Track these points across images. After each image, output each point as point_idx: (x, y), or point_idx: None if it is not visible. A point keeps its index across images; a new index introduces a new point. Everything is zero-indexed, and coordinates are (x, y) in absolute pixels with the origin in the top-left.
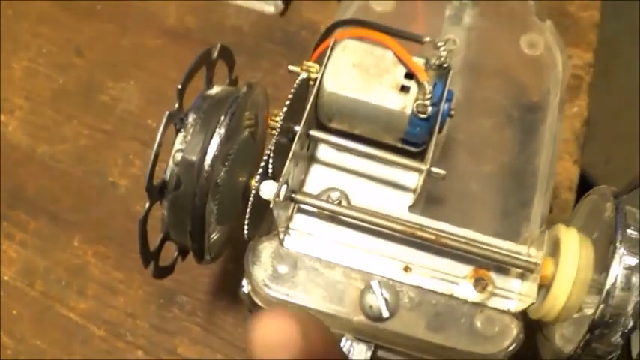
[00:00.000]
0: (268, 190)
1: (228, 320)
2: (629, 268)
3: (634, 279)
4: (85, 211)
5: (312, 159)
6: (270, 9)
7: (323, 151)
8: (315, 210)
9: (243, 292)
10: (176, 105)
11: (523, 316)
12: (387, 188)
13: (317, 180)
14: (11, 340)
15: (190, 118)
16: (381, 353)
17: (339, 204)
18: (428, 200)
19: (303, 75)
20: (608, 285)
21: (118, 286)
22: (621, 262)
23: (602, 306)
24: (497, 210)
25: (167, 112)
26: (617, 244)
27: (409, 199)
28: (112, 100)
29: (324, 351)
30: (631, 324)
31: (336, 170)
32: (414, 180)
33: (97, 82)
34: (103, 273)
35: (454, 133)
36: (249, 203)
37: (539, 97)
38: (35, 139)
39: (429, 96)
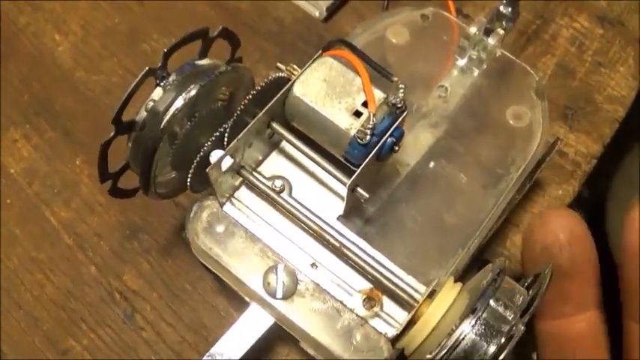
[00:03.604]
0: (216, 157)
1: (173, 267)
2: (479, 335)
3: (479, 346)
4: (95, 137)
5: (276, 146)
6: (314, 12)
7: (287, 145)
8: (257, 189)
9: (185, 235)
10: (159, 64)
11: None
12: (328, 193)
13: (274, 165)
14: None
15: (171, 78)
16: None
17: (279, 191)
18: (365, 221)
19: (281, 74)
20: (450, 341)
21: (97, 208)
22: (474, 327)
23: (439, 356)
24: (419, 248)
25: (147, 67)
26: (475, 310)
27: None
28: (152, 51)
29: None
30: None
31: (292, 163)
32: None
33: (145, 31)
34: (89, 193)
35: (414, 169)
36: (196, 160)
37: (501, 165)
38: (77, 63)
39: (370, 126)
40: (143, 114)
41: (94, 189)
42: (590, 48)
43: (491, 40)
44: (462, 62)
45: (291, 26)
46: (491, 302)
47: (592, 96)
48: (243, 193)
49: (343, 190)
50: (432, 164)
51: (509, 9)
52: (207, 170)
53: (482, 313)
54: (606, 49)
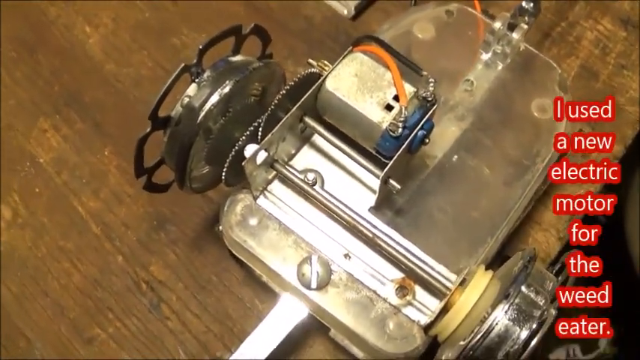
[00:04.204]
0: (251, 151)
1: (200, 259)
2: (512, 320)
3: (512, 331)
4: (124, 129)
5: (307, 140)
6: (343, 11)
7: (319, 139)
8: (290, 182)
9: (218, 230)
10: (194, 60)
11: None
12: (360, 185)
13: (306, 159)
14: (25, 211)
15: (206, 74)
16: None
17: (312, 185)
18: (396, 212)
19: (313, 70)
20: (484, 327)
21: (125, 199)
22: (507, 313)
23: (473, 341)
24: (449, 238)
25: (183, 64)
26: (508, 296)
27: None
28: (181, 45)
29: None
30: None
31: (323, 157)
32: None
33: (175, 26)
34: (117, 184)
35: (441, 161)
36: (231, 154)
37: (527, 157)
38: (107, 56)
39: (402, 119)
40: (179, 110)
41: (122, 180)
42: (614, 50)
43: (515, 35)
44: (486, 57)
45: (320, 25)
46: (523, 288)
47: (615, 98)
48: (276, 186)
49: (374, 183)
50: (458, 156)
51: (531, 4)
52: (242, 164)
53: (515, 298)
54: (629, 51)
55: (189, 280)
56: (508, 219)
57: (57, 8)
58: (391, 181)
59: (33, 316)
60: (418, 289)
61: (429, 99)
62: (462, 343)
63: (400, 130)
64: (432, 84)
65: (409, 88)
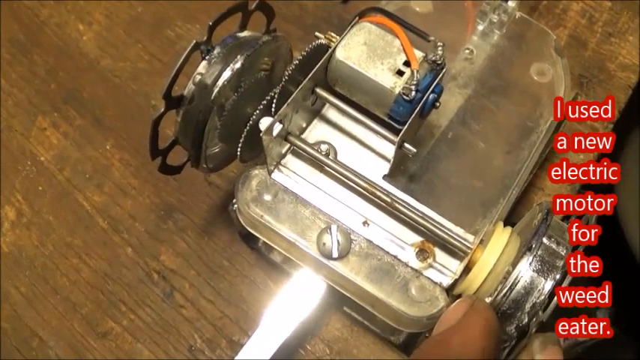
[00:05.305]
0: (265, 124)
1: (210, 245)
2: (536, 271)
3: (537, 282)
4: (124, 122)
5: (317, 114)
6: None
7: (329, 111)
8: (304, 154)
9: (232, 209)
10: (205, 37)
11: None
12: (373, 155)
13: (317, 132)
14: (30, 210)
15: (216, 51)
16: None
17: (326, 155)
18: (409, 178)
19: (322, 41)
20: (510, 280)
21: (130, 191)
22: (531, 265)
23: (500, 296)
24: (463, 202)
25: (194, 41)
26: (531, 248)
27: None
28: (176, 37)
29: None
30: (526, 320)
31: (334, 128)
32: None
33: (169, 18)
34: (121, 176)
35: (448, 128)
36: (246, 129)
37: (531, 119)
38: (102, 52)
39: (414, 82)
40: (191, 87)
41: (127, 172)
42: (600, 20)
43: (510, 3)
44: (483, 26)
45: (313, 10)
46: (545, 240)
47: (605, 65)
48: (290, 159)
49: (386, 151)
50: (464, 122)
51: None
52: (260, 135)
53: (538, 250)
54: (615, 20)
55: (200, 266)
56: (518, 179)
57: (48, 9)
58: (406, 145)
59: (44, 315)
60: (438, 251)
61: (439, 62)
62: (488, 298)
63: (413, 93)
64: (440, 47)
65: (418, 53)
